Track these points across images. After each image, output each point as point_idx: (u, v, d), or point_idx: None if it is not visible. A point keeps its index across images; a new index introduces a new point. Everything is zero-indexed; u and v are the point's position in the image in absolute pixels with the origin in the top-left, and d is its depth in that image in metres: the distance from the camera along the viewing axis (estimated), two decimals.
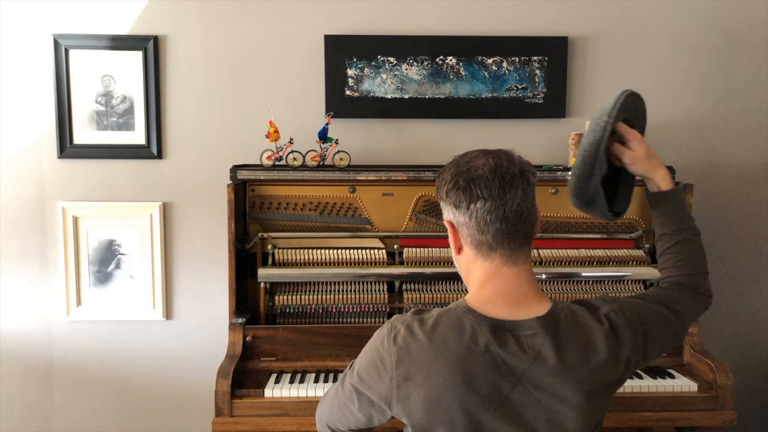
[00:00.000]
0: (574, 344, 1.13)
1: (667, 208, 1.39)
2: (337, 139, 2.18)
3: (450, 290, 2.14)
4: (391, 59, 2.36)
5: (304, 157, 2.18)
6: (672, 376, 1.97)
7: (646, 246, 2.24)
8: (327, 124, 2.17)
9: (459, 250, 1.22)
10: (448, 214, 1.21)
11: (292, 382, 1.91)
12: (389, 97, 2.38)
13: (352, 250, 2.17)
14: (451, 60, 2.37)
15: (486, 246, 1.16)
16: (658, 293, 1.36)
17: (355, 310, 2.14)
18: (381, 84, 2.37)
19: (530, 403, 1.11)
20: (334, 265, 2.15)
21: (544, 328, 1.12)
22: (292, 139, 2.19)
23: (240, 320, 2.02)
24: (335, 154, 2.19)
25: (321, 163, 2.18)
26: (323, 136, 2.17)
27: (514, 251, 1.16)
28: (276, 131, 2.15)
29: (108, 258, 2.43)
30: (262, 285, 2.14)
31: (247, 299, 2.22)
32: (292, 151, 2.17)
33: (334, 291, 2.14)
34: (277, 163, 2.17)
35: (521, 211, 1.14)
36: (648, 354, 1.24)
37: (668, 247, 1.40)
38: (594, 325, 1.16)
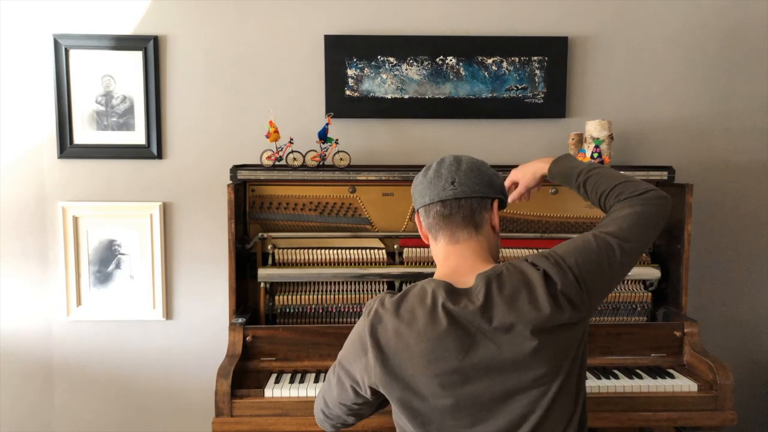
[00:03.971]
0: (516, 288, 1.24)
1: (561, 176, 1.54)
2: (337, 139, 2.18)
3: None
4: (391, 59, 2.36)
5: (304, 157, 2.18)
6: (672, 376, 1.97)
7: None
8: (327, 124, 2.17)
9: (427, 239, 1.41)
10: (416, 207, 1.41)
11: (292, 382, 1.91)
12: (389, 97, 2.38)
13: (352, 250, 2.17)
14: (451, 60, 2.37)
15: (433, 229, 1.36)
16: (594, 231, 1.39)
17: (355, 310, 2.14)
18: (381, 84, 2.37)
19: (492, 350, 1.22)
20: (334, 265, 2.15)
21: (486, 281, 1.25)
22: (292, 139, 2.19)
23: (240, 320, 2.02)
24: (335, 154, 2.18)
25: (321, 163, 2.18)
26: (323, 136, 2.17)
27: (455, 232, 1.33)
28: (276, 131, 2.15)
29: (108, 258, 2.43)
30: (262, 285, 2.14)
31: (247, 299, 2.22)
32: (292, 151, 2.17)
33: (334, 291, 2.15)
34: (277, 163, 2.17)
35: (458, 196, 1.32)
36: (588, 284, 1.26)
37: (588, 192, 1.48)
38: (531, 271, 1.27)
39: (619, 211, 1.38)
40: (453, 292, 1.26)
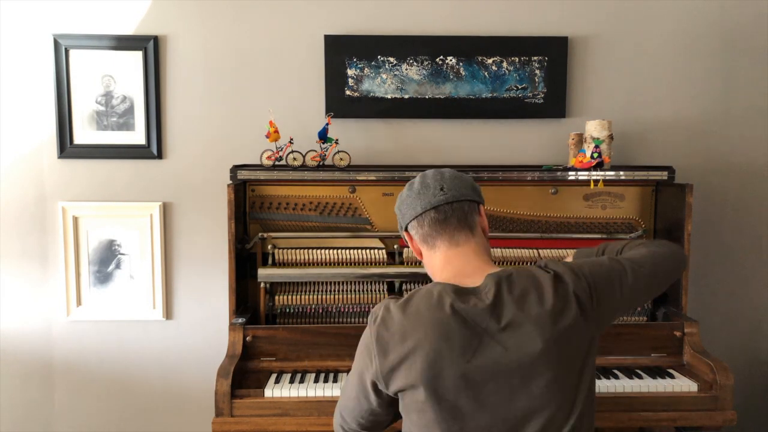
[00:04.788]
0: (525, 289, 1.25)
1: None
2: (337, 139, 2.18)
3: None
4: (391, 59, 2.36)
5: (304, 157, 2.17)
6: (672, 376, 1.97)
7: None
8: (327, 124, 2.17)
9: (420, 254, 1.41)
10: (403, 225, 1.41)
11: (292, 382, 1.91)
12: (389, 97, 2.38)
13: (352, 250, 2.17)
14: (451, 60, 2.37)
15: (430, 237, 1.36)
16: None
17: (355, 310, 2.14)
18: (381, 84, 2.37)
19: (498, 352, 1.21)
20: (334, 265, 2.15)
21: (497, 280, 1.25)
22: (292, 139, 2.18)
23: (240, 320, 2.02)
24: (335, 154, 2.18)
25: (321, 163, 2.18)
26: (323, 136, 2.16)
27: (452, 236, 1.34)
28: (276, 131, 2.15)
29: (108, 258, 2.43)
30: (262, 285, 2.14)
31: (247, 299, 2.22)
32: (292, 151, 2.17)
33: (334, 291, 2.14)
34: (277, 163, 2.17)
35: (450, 200, 1.34)
36: (599, 295, 1.28)
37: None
38: (541, 273, 1.29)
39: (634, 248, 1.44)
40: (460, 291, 1.26)
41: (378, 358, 1.26)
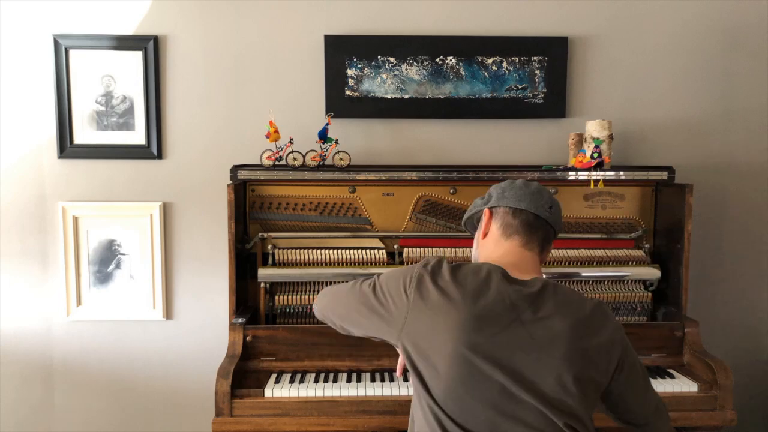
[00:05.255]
0: (569, 299, 1.32)
1: None
2: (337, 139, 2.18)
3: None
4: (391, 59, 2.36)
5: (304, 157, 2.17)
6: (672, 376, 1.97)
7: (646, 246, 2.24)
8: (327, 124, 2.17)
9: (485, 235, 1.47)
10: (493, 203, 1.47)
11: (292, 382, 1.91)
12: (389, 97, 2.38)
13: (352, 250, 2.17)
14: (451, 60, 2.37)
15: (512, 228, 1.42)
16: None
17: None
18: (381, 84, 2.37)
19: (523, 337, 1.25)
20: (335, 265, 2.15)
21: (544, 283, 1.33)
22: (292, 139, 2.19)
23: (240, 320, 2.02)
24: (335, 154, 2.18)
25: (321, 163, 2.18)
26: (323, 136, 2.17)
27: (530, 240, 1.42)
28: (276, 131, 2.15)
29: (108, 258, 2.43)
30: (262, 285, 2.14)
31: (247, 299, 2.22)
32: (293, 151, 2.17)
33: None
34: (277, 163, 2.17)
35: (549, 221, 1.44)
36: (624, 373, 1.36)
37: None
38: (583, 297, 1.37)
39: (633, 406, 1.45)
40: (509, 276, 1.32)
41: (414, 295, 1.30)
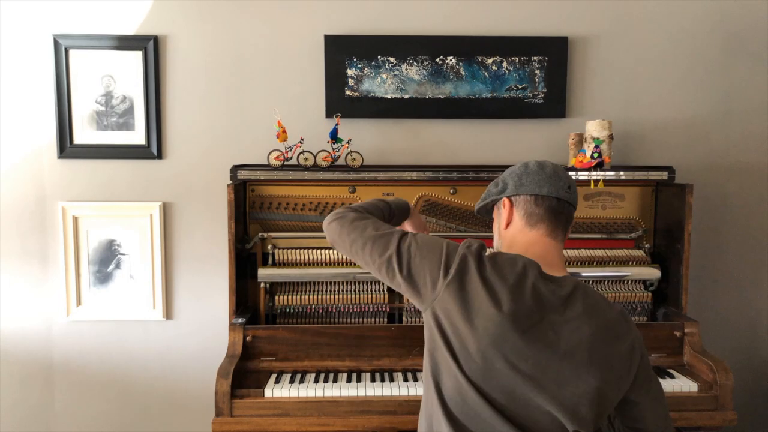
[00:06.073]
0: (598, 303, 1.33)
1: None
2: (349, 140, 2.18)
3: None
4: (391, 59, 2.36)
5: (315, 157, 2.17)
6: (672, 376, 1.97)
7: (646, 246, 2.24)
8: (336, 124, 2.17)
9: (507, 225, 1.44)
10: (512, 192, 1.45)
11: (292, 382, 1.91)
12: (389, 97, 2.38)
13: None
14: (451, 60, 2.37)
15: (536, 217, 1.40)
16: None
17: (354, 310, 2.14)
18: (381, 84, 2.37)
19: (551, 337, 1.26)
20: (334, 265, 2.15)
21: (576, 282, 1.34)
22: (302, 140, 2.19)
23: (240, 320, 2.02)
24: (348, 154, 2.18)
25: (333, 164, 2.18)
26: (334, 136, 2.17)
27: (555, 228, 1.39)
28: (284, 131, 2.15)
29: (108, 258, 2.43)
30: (262, 285, 2.14)
31: (247, 299, 2.22)
32: (303, 152, 2.16)
33: (334, 291, 2.15)
34: (286, 163, 2.17)
35: (570, 201, 1.41)
36: (640, 379, 1.36)
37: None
38: (609, 302, 1.38)
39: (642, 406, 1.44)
40: (543, 273, 1.32)
41: (454, 274, 1.29)
